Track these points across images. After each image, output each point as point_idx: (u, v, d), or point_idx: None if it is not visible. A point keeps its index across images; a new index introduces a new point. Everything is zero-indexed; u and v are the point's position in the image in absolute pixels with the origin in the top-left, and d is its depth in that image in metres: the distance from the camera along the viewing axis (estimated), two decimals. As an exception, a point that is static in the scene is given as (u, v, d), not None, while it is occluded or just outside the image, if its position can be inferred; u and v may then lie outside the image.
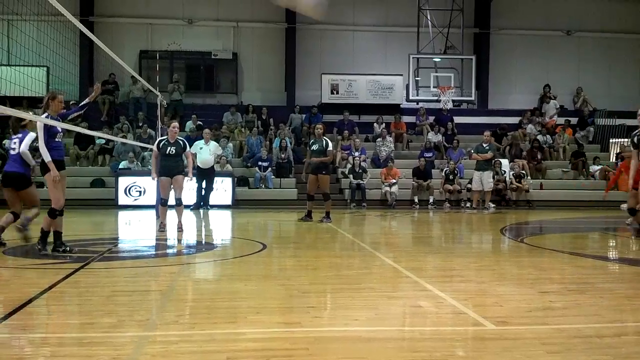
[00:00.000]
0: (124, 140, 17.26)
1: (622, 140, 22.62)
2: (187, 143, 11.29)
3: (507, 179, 19.83)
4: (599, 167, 21.18)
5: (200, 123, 20.63)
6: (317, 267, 7.48)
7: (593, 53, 25.26)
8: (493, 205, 18.27)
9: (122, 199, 17.75)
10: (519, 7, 25.02)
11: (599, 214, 17.29)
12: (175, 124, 11.35)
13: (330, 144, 13.28)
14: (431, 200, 19.41)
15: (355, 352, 3.99)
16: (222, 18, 23.92)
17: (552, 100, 23.44)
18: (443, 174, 19.73)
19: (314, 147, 13.13)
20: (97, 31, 21.83)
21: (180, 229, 10.93)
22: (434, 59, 23.01)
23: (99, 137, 19.77)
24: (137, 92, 21.76)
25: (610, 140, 23.04)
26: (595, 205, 19.32)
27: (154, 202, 15.59)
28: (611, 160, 22.16)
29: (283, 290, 5.96)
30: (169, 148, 10.90)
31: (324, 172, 13.10)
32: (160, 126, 15.35)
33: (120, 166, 18.62)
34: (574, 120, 23.57)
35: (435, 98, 22.37)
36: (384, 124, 21.94)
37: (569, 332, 4.47)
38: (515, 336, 4.39)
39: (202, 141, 17.70)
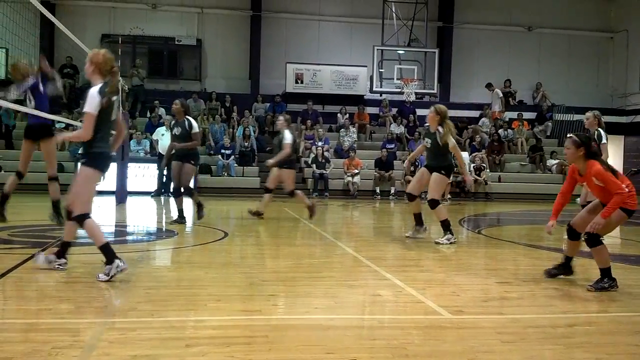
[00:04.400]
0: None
1: (579, 135, 23.07)
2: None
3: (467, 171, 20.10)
4: (556, 161, 21.62)
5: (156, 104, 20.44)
6: (279, 256, 7.50)
7: (553, 49, 25.69)
8: (449, 196, 18.48)
9: (81, 185, 17.46)
10: (482, 2, 25.29)
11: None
12: None
13: (194, 124, 10.51)
14: (392, 191, 19.58)
15: (314, 339, 4.03)
16: (187, 4, 23.64)
17: (495, 90, 23.67)
18: (404, 165, 19.88)
19: (175, 130, 10.53)
20: (58, 13, 21.39)
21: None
22: (398, 51, 23.13)
23: (59, 121, 19.38)
24: (98, 76, 21.37)
25: (568, 135, 23.45)
26: (551, 198, 19.69)
27: (113, 188, 15.41)
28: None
29: (244, 278, 5.97)
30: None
31: (191, 162, 10.55)
32: (121, 111, 15.10)
33: (80, 151, 18.27)
34: (532, 115, 24.03)
35: (399, 90, 22.51)
36: (347, 115, 22.01)
37: (523, 322, 4.58)
38: (471, 325, 4.49)
39: (164, 127, 17.50)
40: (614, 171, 5.72)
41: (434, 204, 8.95)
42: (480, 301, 5.24)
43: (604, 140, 9.14)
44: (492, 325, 4.47)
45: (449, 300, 5.19)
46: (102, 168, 5.74)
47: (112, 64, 5.66)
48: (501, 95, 23.70)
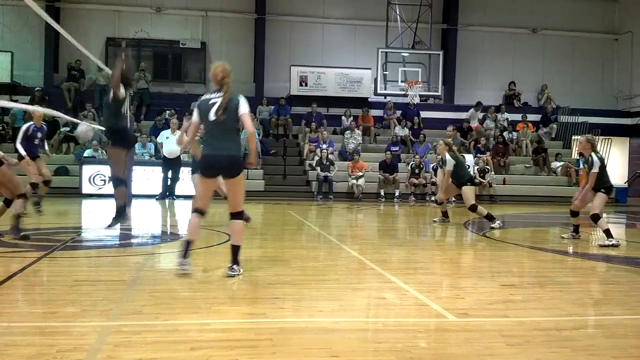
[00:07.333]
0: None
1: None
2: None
3: (472, 173, 20.05)
4: (561, 163, 21.58)
5: (170, 110, 20.47)
6: (283, 259, 7.50)
7: (558, 51, 25.66)
8: (453, 199, 18.41)
9: (86, 188, 17.52)
10: (487, 4, 25.28)
11: (559, 209, 17.60)
12: None
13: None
14: (397, 194, 19.58)
15: (319, 342, 4.03)
16: (191, 7, 23.69)
17: (479, 112, 23.52)
18: (409, 167, 19.90)
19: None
20: (63, 17, 21.48)
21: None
22: (402, 54, 23.12)
23: (64, 125, 19.45)
24: (103, 79, 21.44)
25: (573, 137, 23.45)
26: (556, 200, 19.70)
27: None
28: (573, 156, 22.59)
29: (248, 281, 5.97)
30: None
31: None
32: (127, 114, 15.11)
33: (85, 154, 18.36)
34: (537, 117, 24.01)
35: (403, 92, 22.49)
36: (351, 117, 22.02)
37: (528, 325, 4.57)
38: (476, 328, 4.48)
39: (169, 130, 17.53)
40: None
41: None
42: (485, 304, 5.23)
43: None
44: (497, 328, 4.47)
45: (453, 303, 5.18)
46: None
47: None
48: (481, 116, 23.51)
